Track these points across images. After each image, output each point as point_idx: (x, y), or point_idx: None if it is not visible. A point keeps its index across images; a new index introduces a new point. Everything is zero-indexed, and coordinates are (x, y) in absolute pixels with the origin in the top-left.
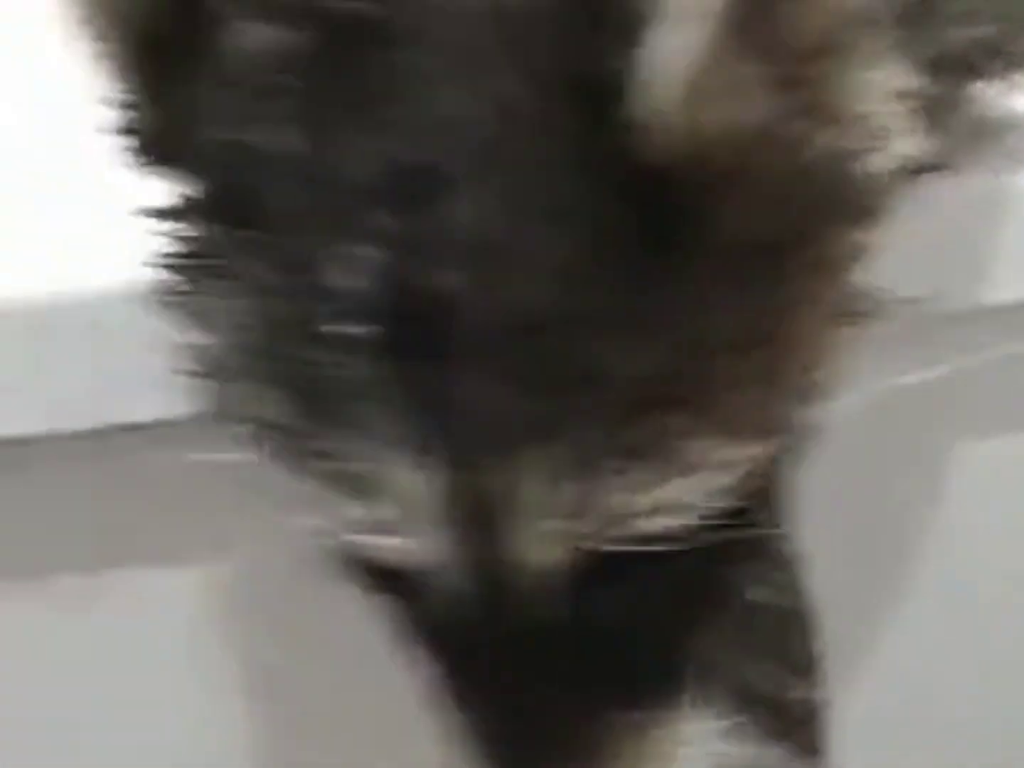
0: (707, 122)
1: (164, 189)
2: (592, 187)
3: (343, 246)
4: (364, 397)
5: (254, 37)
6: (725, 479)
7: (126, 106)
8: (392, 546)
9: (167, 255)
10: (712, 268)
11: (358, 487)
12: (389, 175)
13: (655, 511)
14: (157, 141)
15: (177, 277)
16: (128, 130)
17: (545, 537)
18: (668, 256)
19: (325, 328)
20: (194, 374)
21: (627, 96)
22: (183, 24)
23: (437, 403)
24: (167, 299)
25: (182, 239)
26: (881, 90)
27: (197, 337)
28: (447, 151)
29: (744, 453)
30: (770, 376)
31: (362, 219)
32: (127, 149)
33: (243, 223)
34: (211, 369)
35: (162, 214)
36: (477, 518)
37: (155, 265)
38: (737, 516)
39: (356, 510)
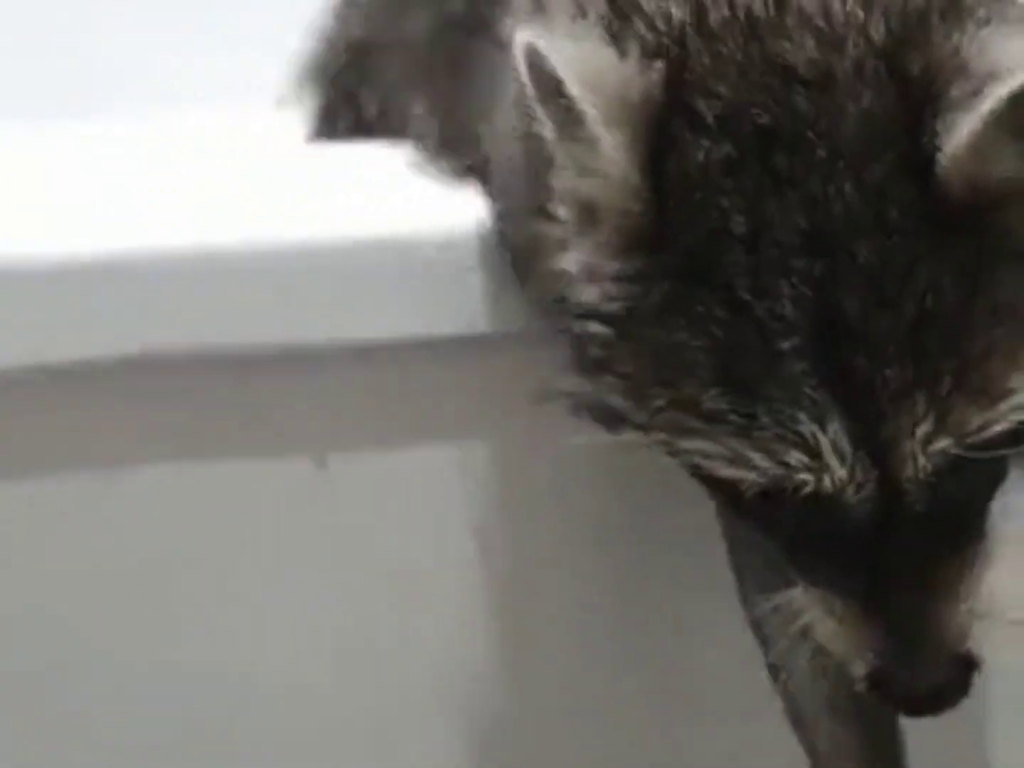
0: (984, 172)
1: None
2: (934, 230)
3: (778, 288)
4: (792, 383)
5: (707, 152)
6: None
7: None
8: (805, 479)
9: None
10: (1013, 257)
11: (781, 442)
12: (804, 236)
13: (987, 425)
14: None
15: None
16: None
17: (932, 450)
18: (984, 257)
19: (761, 340)
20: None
21: (938, 161)
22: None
23: (845, 380)
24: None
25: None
26: None
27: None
28: (841, 217)
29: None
30: None
31: (788, 269)
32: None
33: (704, 280)
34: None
35: (619, 279)
36: (878, 446)
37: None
38: None
39: (772, 460)
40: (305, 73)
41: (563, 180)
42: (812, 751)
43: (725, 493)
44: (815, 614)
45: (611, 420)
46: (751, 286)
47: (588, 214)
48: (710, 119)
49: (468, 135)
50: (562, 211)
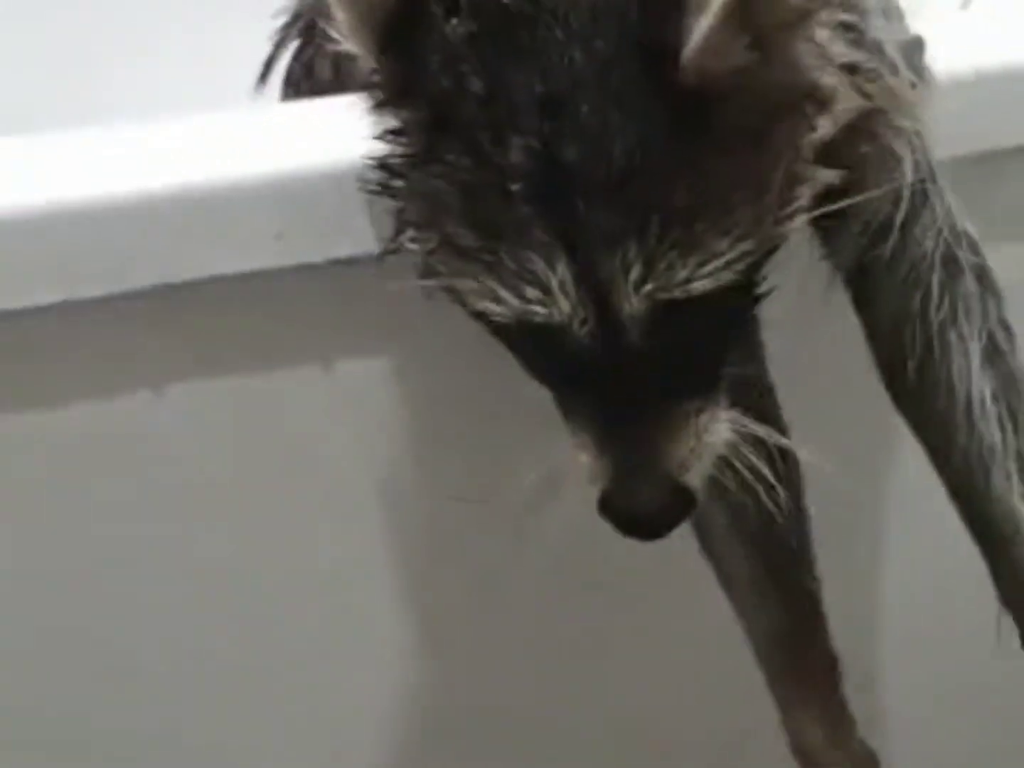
0: (717, 64)
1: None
2: (653, 100)
3: (510, 139)
4: (524, 225)
5: (452, 25)
6: (735, 262)
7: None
8: (540, 312)
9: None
10: (726, 138)
11: (520, 279)
12: (534, 97)
13: (694, 278)
14: (394, 90)
15: (394, 171)
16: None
17: (641, 293)
18: (699, 135)
19: (499, 186)
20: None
21: (676, 48)
22: (411, 16)
23: (568, 224)
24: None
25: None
26: (819, 52)
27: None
28: (569, 83)
29: (744, 247)
30: (760, 197)
31: (520, 123)
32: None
33: (449, 131)
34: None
35: (389, 133)
36: (596, 286)
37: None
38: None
39: (514, 294)
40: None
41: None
42: (723, 580)
43: (497, 332)
44: (572, 443)
45: (420, 269)
46: (489, 138)
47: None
48: (463, 2)
49: None
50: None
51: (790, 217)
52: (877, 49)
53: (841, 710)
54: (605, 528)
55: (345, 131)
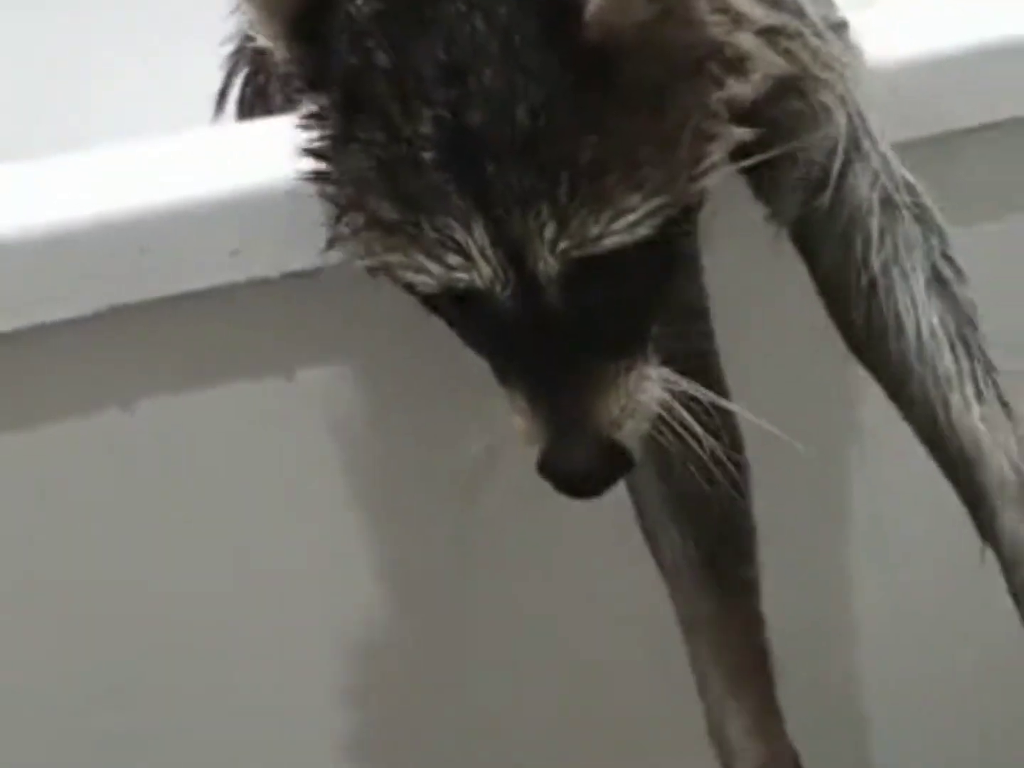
0: (620, 18)
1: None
2: (555, 59)
3: (419, 110)
4: (440, 193)
5: (358, 5)
6: (649, 217)
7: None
8: (463, 278)
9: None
10: (630, 95)
11: (441, 247)
12: (439, 68)
13: (607, 234)
14: (307, 75)
15: (318, 156)
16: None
17: (555, 252)
18: (604, 92)
19: (412, 158)
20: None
21: (579, 4)
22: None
23: (481, 189)
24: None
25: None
26: (730, 14)
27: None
28: (471, 50)
29: (657, 202)
30: (669, 153)
31: (427, 94)
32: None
33: (362, 108)
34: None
35: (307, 117)
36: (512, 248)
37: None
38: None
39: (437, 263)
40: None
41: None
42: (655, 552)
43: (428, 304)
44: (511, 409)
45: (358, 255)
46: (399, 110)
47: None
48: None
49: None
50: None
51: (704, 173)
52: (799, 13)
53: (767, 704)
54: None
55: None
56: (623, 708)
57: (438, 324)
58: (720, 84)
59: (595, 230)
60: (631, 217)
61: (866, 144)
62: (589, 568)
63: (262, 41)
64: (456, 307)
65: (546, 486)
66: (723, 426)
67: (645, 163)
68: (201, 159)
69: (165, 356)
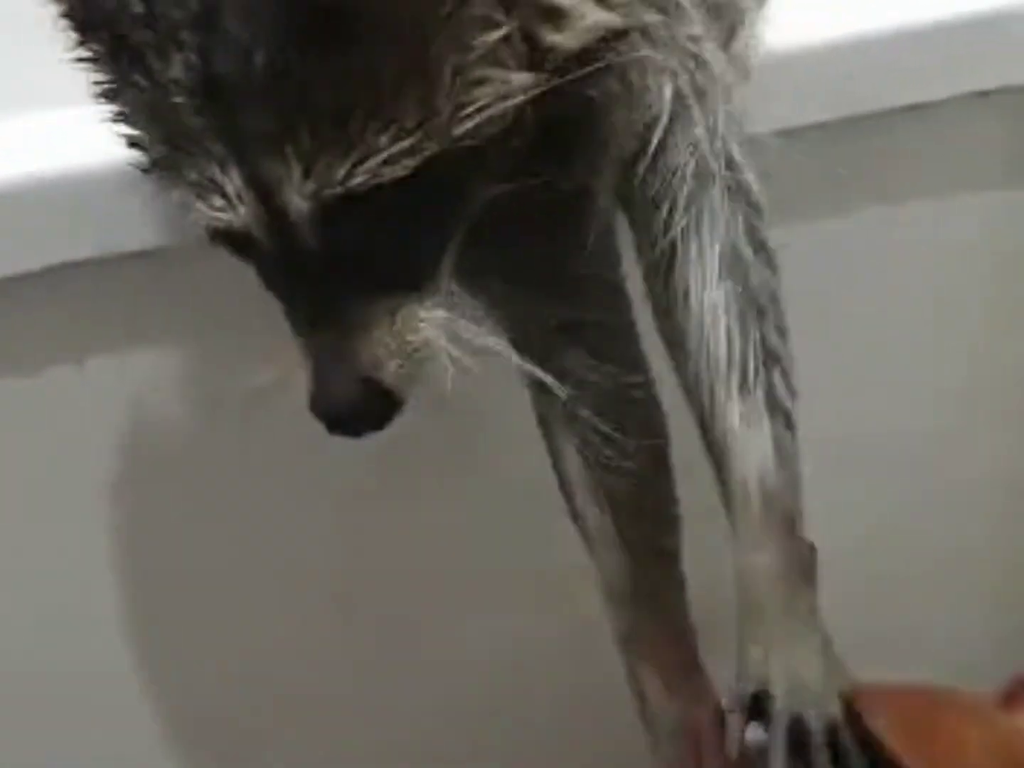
0: None
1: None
2: (282, 15)
3: (172, 55)
4: (198, 136)
5: None
6: (401, 158)
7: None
8: (224, 219)
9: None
10: (370, 36)
11: (204, 189)
12: (188, 13)
13: (353, 174)
14: (77, 25)
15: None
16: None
17: (304, 193)
18: (342, 34)
19: (170, 102)
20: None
21: None
22: None
23: (233, 132)
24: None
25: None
26: None
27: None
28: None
29: (408, 142)
30: (422, 94)
31: (179, 39)
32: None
33: (123, 57)
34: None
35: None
36: (264, 190)
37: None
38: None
39: (204, 204)
40: None
41: None
42: (586, 539)
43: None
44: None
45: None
46: (154, 55)
47: None
48: None
49: None
50: None
51: (469, 117)
52: None
53: (687, 669)
54: None
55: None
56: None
57: None
58: (488, 25)
59: (341, 171)
60: (378, 158)
61: (696, 114)
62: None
63: None
64: (237, 252)
65: None
66: (634, 407)
67: (391, 104)
68: None
69: (115, 313)
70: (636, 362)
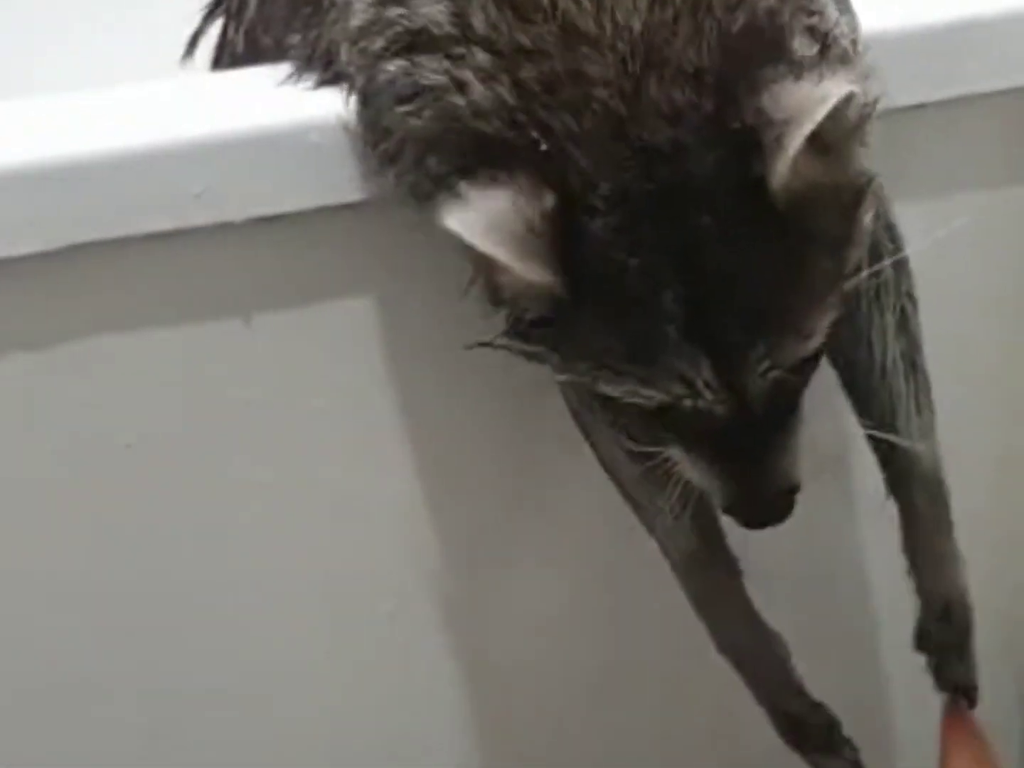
0: (800, 182)
1: None
2: (764, 233)
3: (663, 292)
4: (674, 347)
5: (601, 226)
6: (827, 330)
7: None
8: (687, 404)
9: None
10: (819, 240)
11: (668, 383)
12: (680, 259)
13: (800, 355)
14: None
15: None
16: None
17: (766, 376)
18: (801, 246)
19: (653, 328)
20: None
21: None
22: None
23: (710, 341)
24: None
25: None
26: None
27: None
28: (704, 246)
29: (831, 317)
30: (840, 276)
31: (670, 279)
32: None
33: (615, 304)
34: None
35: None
36: (729, 378)
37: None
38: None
39: (661, 392)
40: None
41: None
42: (640, 516)
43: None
44: (688, 467)
45: (539, 359)
46: (643, 298)
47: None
48: (599, 203)
49: (329, 56)
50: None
51: (850, 278)
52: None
53: (749, 603)
54: None
55: (263, 97)
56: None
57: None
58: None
59: (793, 355)
60: (818, 338)
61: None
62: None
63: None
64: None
65: None
66: None
67: (829, 292)
68: (171, 104)
69: (126, 296)
70: None
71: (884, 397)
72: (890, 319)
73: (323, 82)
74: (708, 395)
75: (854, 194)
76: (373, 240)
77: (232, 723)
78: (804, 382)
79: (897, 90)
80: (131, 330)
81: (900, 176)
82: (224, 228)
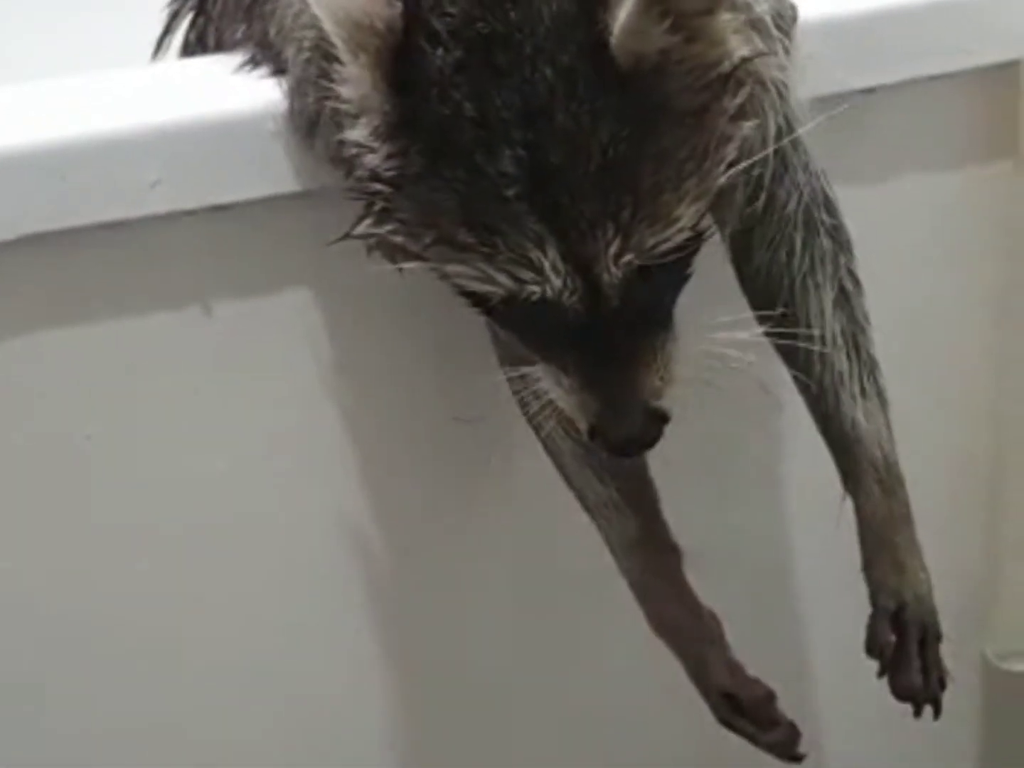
0: (644, 46)
1: None
2: (610, 97)
3: (502, 151)
4: (517, 220)
5: (440, 56)
6: (690, 222)
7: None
8: (533, 290)
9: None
10: (674, 117)
11: (514, 265)
12: (517, 113)
13: (660, 244)
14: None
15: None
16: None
17: (619, 264)
18: (653, 119)
19: (493, 192)
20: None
21: (610, 43)
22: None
23: (555, 215)
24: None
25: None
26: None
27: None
28: (546, 95)
29: (696, 207)
30: (704, 162)
31: (509, 137)
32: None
33: (447, 152)
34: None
35: (388, 156)
36: (582, 263)
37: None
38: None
39: (508, 278)
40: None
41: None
42: (582, 501)
43: (481, 305)
44: (549, 384)
45: (396, 254)
46: (483, 153)
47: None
48: (444, 33)
49: (272, 49)
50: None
51: (723, 173)
52: (763, 28)
53: (687, 585)
54: None
55: (219, 86)
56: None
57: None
58: (737, 92)
59: (651, 242)
60: (679, 225)
61: (794, 158)
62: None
63: (347, 91)
64: (510, 308)
65: None
66: None
67: (688, 175)
68: (125, 93)
69: (83, 285)
70: None
71: (824, 375)
72: (827, 294)
73: (277, 71)
74: (556, 280)
75: (718, 78)
76: (331, 228)
77: (186, 711)
78: (670, 287)
79: (849, 74)
80: (87, 320)
81: (851, 159)
82: (180, 216)
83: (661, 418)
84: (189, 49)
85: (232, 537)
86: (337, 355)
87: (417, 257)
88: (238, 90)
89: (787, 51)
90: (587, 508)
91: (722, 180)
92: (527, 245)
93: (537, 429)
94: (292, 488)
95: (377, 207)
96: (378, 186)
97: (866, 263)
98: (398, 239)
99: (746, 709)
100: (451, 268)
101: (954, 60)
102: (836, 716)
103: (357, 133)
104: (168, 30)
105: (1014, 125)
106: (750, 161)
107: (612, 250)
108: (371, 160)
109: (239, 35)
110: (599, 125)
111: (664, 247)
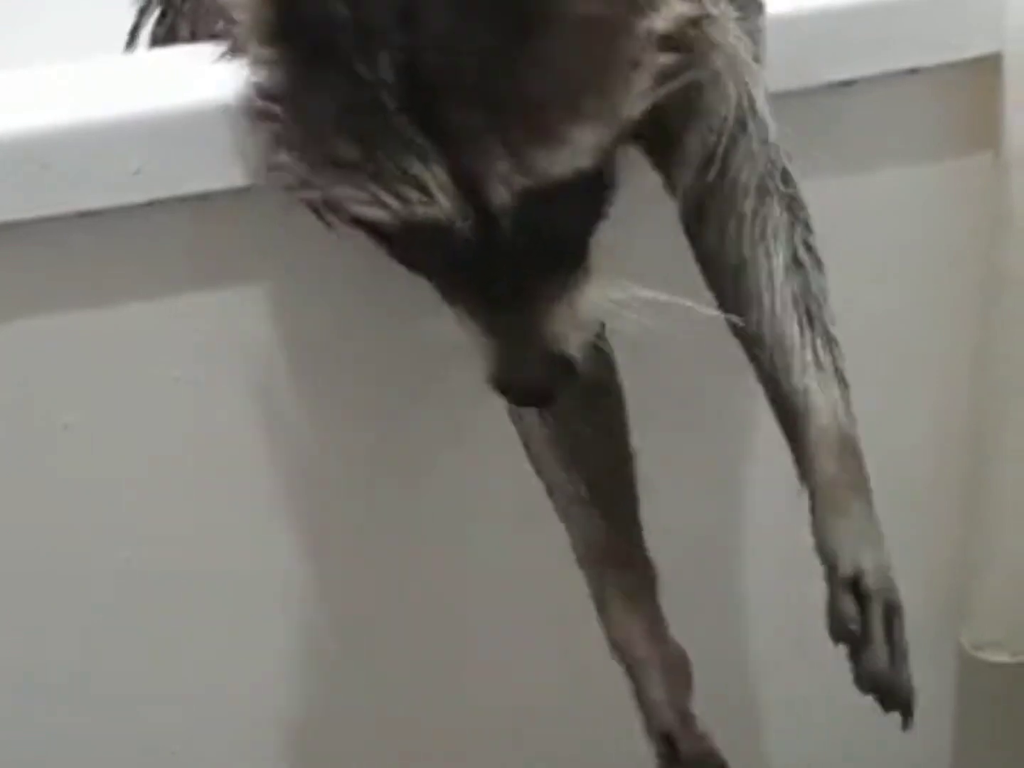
0: None
1: None
2: (484, 9)
3: (378, 56)
4: (399, 133)
5: None
6: (589, 147)
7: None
8: (421, 212)
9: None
10: (569, 29)
11: (401, 183)
12: (394, 15)
13: (553, 166)
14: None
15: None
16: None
17: (509, 184)
18: (544, 30)
19: (373, 101)
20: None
21: None
22: None
23: (438, 127)
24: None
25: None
26: None
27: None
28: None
29: (595, 131)
30: (605, 83)
31: (385, 40)
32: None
33: (323, 58)
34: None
35: (265, 63)
36: (469, 183)
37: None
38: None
39: (394, 198)
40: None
41: None
42: (549, 495)
43: (377, 235)
44: (461, 330)
45: (296, 184)
46: (360, 58)
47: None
48: None
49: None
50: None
51: (634, 102)
52: None
53: (656, 612)
54: None
55: (199, 74)
56: None
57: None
58: (646, 12)
59: (544, 163)
60: (574, 147)
61: (751, 127)
62: None
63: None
64: (406, 237)
65: None
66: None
67: (585, 96)
68: (106, 82)
69: (63, 273)
70: None
71: (773, 343)
72: (779, 262)
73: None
74: (444, 201)
75: (627, 2)
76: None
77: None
78: (575, 222)
79: (826, 66)
80: (66, 309)
81: (830, 152)
82: (162, 205)
83: (565, 366)
84: (158, 42)
85: (212, 524)
86: (318, 342)
87: (308, 185)
88: (220, 79)
89: (745, 19)
90: (555, 505)
91: (631, 109)
92: (411, 160)
93: (515, 424)
94: (272, 475)
95: (268, 130)
96: (262, 103)
97: (845, 256)
98: (289, 163)
99: (683, 762)
100: (339, 191)
101: (933, 53)
102: (808, 706)
103: (247, 51)
104: (138, 26)
105: (994, 118)
106: (666, 89)
107: (500, 169)
108: (256, 74)
109: (217, 28)
110: (479, 26)
111: (558, 170)
